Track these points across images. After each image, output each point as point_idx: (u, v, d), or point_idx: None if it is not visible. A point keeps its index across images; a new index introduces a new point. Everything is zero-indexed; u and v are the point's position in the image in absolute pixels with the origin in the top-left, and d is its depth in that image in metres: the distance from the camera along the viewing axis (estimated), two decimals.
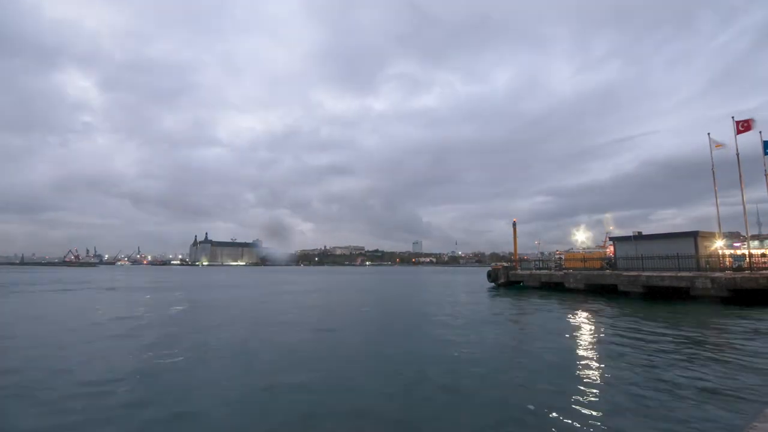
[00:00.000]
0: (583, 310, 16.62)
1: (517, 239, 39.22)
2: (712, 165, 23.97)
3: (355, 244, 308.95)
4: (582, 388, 6.36)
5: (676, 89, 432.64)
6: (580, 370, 7.47)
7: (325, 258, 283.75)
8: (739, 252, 26.88)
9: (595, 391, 6.21)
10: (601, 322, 13.49)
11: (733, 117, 22.92)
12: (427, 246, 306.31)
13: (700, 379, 6.85)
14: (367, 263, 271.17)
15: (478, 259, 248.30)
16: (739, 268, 20.81)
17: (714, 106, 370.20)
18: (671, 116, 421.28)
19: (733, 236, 35.46)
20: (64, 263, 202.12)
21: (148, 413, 5.47)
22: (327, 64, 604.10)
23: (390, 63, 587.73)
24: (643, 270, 23.27)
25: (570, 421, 5.05)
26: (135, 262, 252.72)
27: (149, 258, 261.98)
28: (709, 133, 23.92)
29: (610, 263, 27.71)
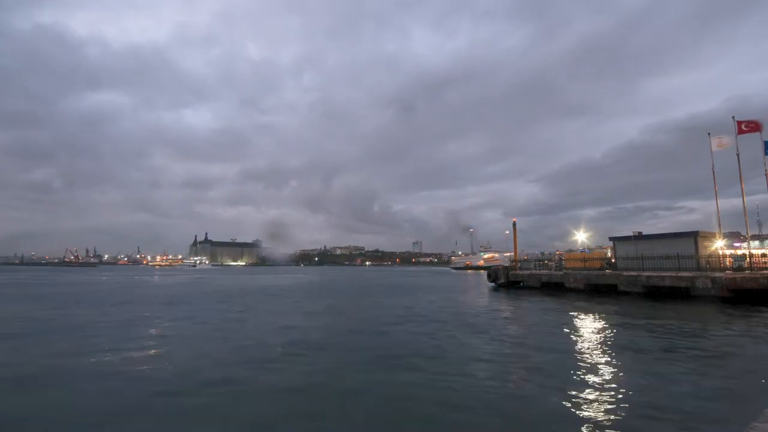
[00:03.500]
0: (583, 310, 16.57)
1: (518, 237, 39.34)
2: (712, 165, 23.98)
3: (355, 244, 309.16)
4: (581, 388, 6.32)
5: None
6: (579, 370, 7.43)
7: (325, 258, 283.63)
8: (739, 252, 26.84)
9: (594, 391, 6.18)
10: (600, 322, 13.45)
11: (733, 117, 22.93)
12: (428, 246, 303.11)
13: (700, 378, 6.83)
14: (367, 263, 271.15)
15: None
16: (740, 268, 20.78)
17: None
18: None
19: (733, 236, 35.44)
20: (64, 263, 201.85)
21: None
22: None
23: None
24: (643, 270, 23.24)
25: (568, 422, 5.03)
26: (135, 262, 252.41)
27: (149, 258, 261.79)
28: (709, 133, 23.91)
29: (610, 263, 27.69)
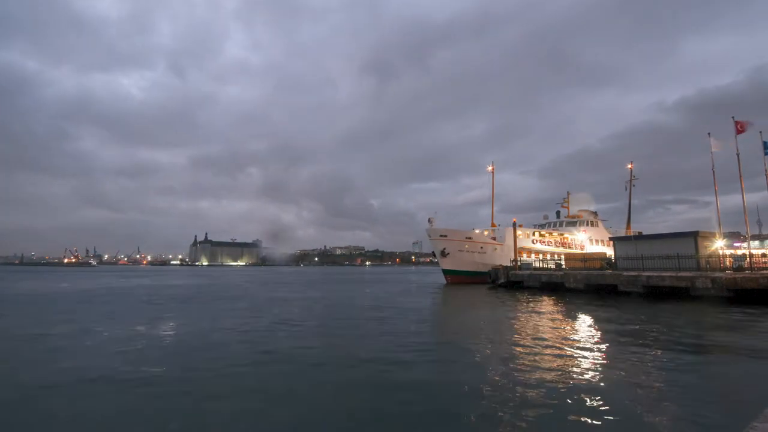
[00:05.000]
0: (582, 311, 16.58)
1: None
2: (712, 165, 24.01)
3: (355, 244, 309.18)
4: (580, 389, 6.32)
5: None
6: (579, 370, 7.43)
7: (324, 258, 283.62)
8: (739, 252, 26.86)
9: (594, 391, 6.18)
10: (600, 322, 13.46)
11: (733, 117, 22.96)
12: (427, 245, 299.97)
13: (700, 378, 6.84)
14: (367, 263, 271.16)
15: None
16: (740, 268, 20.80)
17: None
18: None
19: (733, 236, 35.46)
20: (64, 263, 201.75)
21: None
22: None
23: None
24: (643, 270, 23.25)
25: (568, 423, 5.03)
26: (135, 262, 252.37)
27: (149, 258, 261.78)
28: (709, 133, 23.95)
29: (610, 263, 27.72)
